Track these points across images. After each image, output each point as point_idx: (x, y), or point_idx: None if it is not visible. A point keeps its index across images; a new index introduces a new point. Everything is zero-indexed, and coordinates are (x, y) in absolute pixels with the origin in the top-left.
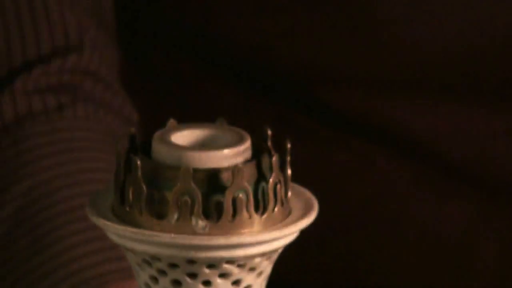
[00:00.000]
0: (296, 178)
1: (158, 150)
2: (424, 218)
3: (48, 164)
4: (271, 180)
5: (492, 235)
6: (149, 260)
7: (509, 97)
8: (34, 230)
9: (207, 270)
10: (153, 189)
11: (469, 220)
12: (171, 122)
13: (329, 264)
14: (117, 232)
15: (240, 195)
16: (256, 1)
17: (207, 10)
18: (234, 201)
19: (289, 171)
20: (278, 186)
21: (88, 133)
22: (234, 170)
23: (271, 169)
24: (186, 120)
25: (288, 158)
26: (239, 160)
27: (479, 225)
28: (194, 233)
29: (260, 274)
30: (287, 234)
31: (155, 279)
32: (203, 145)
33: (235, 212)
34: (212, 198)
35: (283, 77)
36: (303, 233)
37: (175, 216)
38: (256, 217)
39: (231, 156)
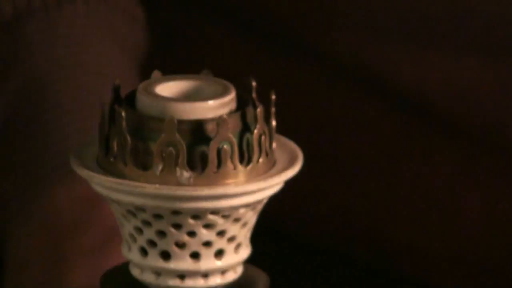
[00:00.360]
0: (287, 130)
1: (143, 101)
2: (413, 169)
3: (44, 59)
4: (255, 131)
5: (477, 186)
6: (134, 211)
7: (497, 48)
8: (28, 125)
9: (191, 221)
10: (138, 140)
11: (454, 171)
12: (156, 73)
13: (323, 214)
14: (101, 183)
15: (225, 146)
16: None
17: None
18: (219, 152)
19: (274, 123)
20: (263, 137)
21: (86, 29)
22: (219, 121)
23: (255, 120)
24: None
25: (273, 109)
26: (224, 111)
27: (465, 176)
28: (179, 184)
29: (244, 225)
30: (272, 185)
31: (139, 230)
32: (188, 97)
33: (219, 163)
34: (197, 149)
35: (277, 21)
36: (297, 185)
37: (160, 167)
38: (240, 168)
39: (215, 107)
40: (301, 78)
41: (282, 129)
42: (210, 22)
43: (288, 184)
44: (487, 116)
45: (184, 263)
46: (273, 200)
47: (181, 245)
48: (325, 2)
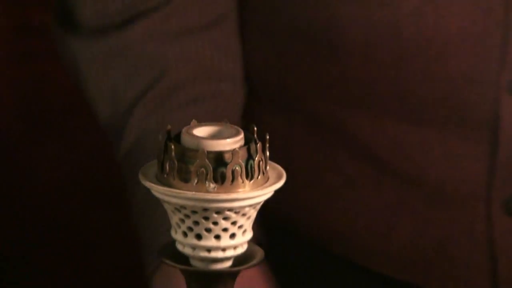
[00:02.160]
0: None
1: (185, 139)
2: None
3: None
4: (256, 158)
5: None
6: (179, 208)
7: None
8: None
9: (215, 215)
10: (182, 163)
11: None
12: (193, 121)
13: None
14: (158, 190)
15: (237, 168)
16: None
17: None
18: (233, 172)
19: (267, 153)
20: (261, 162)
21: None
22: (233, 152)
23: (256, 151)
24: None
25: (267, 145)
26: (236, 146)
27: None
28: (207, 191)
29: (249, 218)
30: (266, 193)
31: (182, 220)
32: (213, 136)
33: (233, 179)
34: (219, 169)
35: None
36: None
37: (195, 181)
38: (246, 182)
39: (231, 143)
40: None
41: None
42: None
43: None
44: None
45: (210, 241)
46: None
47: (208, 230)
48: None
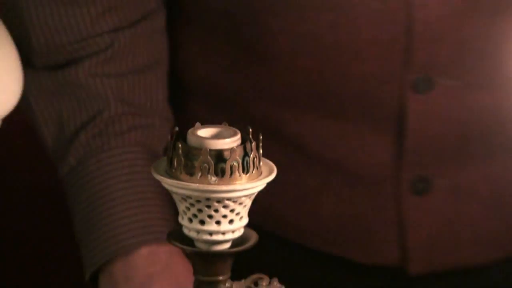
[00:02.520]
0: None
1: (190, 139)
2: None
3: None
4: (251, 155)
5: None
6: (185, 198)
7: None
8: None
9: (216, 204)
10: (187, 160)
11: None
12: (197, 124)
13: None
14: (167, 183)
15: (235, 163)
16: None
17: None
18: (231, 167)
19: (261, 151)
20: (255, 159)
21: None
22: (231, 150)
23: (251, 150)
24: None
25: (260, 144)
26: (234, 145)
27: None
28: (209, 184)
29: (245, 206)
30: (260, 185)
31: (188, 208)
32: (214, 136)
33: (231, 173)
34: (219, 165)
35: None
36: None
37: (199, 174)
38: (243, 175)
39: (230, 142)
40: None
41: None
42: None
43: None
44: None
45: (212, 226)
46: None
47: (210, 217)
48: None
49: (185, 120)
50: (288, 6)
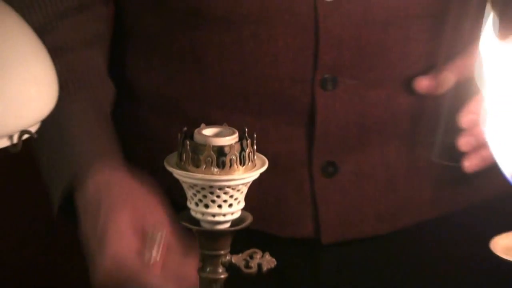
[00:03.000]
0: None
1: (196, 137)
2: None
3: None
4: (247, 151)
5: None
6: (192, 186)
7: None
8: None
9: (218, 191)
10: (194, 154)
11: None
12: (203, 124)
13: None
14: (178, 173)
15: (233, 157)
16: None
17: None
18: (230, 160)
19: (255, 147)
20: (250, 153)
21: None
22: (231, 146)
23: (247, 146)
24: None
25: (255, 141)
26: (233, 142)
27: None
28: (212, 174)
29: (242, 192)
30: (254, 175)
31: (194, 194)
32: (216, 135)
33: (230, 165)
34: (220, 158)
35: None
36: None
37: (204, 166)
38: (240, 167)
39: (229, 140)
40: None
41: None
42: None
43: None
44: None
45: (214, 209)
46: None
47: (213, 201)
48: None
49: (137, 125)
50: (216, 20)
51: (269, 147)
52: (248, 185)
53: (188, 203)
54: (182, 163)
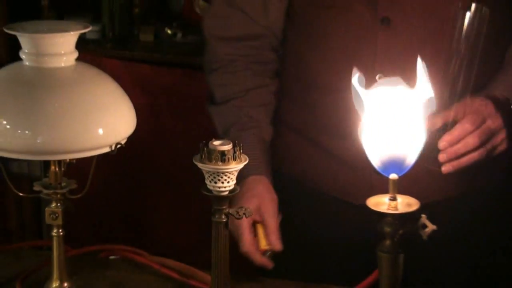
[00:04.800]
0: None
1: (210, 145)
2: None
3: None
4: (237, 153)
5: None
6: (207, 171)
7: None
8: None
9: (221, 174)
10: (209, 155)
11: None
12: (213, 139)
13: None
14: (200, 165)
15: (229, 156)
16: None
17: None
18: (228, 158)
19: (241, 151)
20: (238, 154)
21: None
22: (228, 150)
23: (237, 150)
24: None
25: (241, 148)
26: (229, 148)
27: None
28: (218, 166)
29: (234, 175)
30: (241, 166)
31: (209, 176)
32: (220, 145)
33: (228, 160)
34: (223, 157)
35: None
36: None
37: (213, 161)
38: (233, 162)
39: (227, 147)
40: None
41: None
42: None
43: None
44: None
45: (219, 184)
46: None
47: (219, 180)
48: None
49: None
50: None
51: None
52: (237, 172)
53: (206, 181)
54: (202, 159)
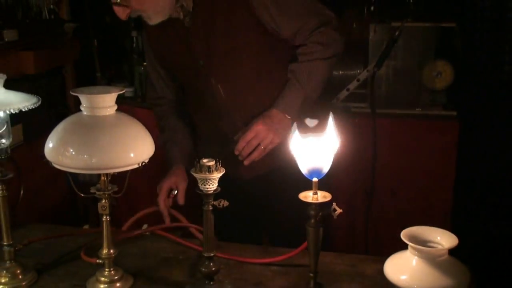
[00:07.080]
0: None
1: (200, 162)
2: None
3: None
4: (218, 166)
5: None
6: (199, 178)
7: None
8: None
9: (208, 180)
10: (200, 168)
11: None
12: (203, 158)
13: None
14: (195, 175)
15: (213, 168)
16: None
17: None
18: (212, 169)
19: (220, 164)
20: (218, 166)
21: None
22: (211, 165)
23: (218, 164)
24: None
25: (220, 163)
26: (212, 163)
27: None
28: (206, 175)
29: (216, 181)
30: (220, 175)
31: (200, 182)
32: (207, 161)
33: (212, 171)
34: (209, 169)
35: None
36: None
37: (202, 172)
38: (215, 172)
39: (211, 163)
40: None
41: None
42: None
43: None
44: None
45: (206, 186)
46: None
47: (206, 184)
48: None
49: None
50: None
51: None
52: (218, 179)
53: (198, 184)
54: (196, 171)
